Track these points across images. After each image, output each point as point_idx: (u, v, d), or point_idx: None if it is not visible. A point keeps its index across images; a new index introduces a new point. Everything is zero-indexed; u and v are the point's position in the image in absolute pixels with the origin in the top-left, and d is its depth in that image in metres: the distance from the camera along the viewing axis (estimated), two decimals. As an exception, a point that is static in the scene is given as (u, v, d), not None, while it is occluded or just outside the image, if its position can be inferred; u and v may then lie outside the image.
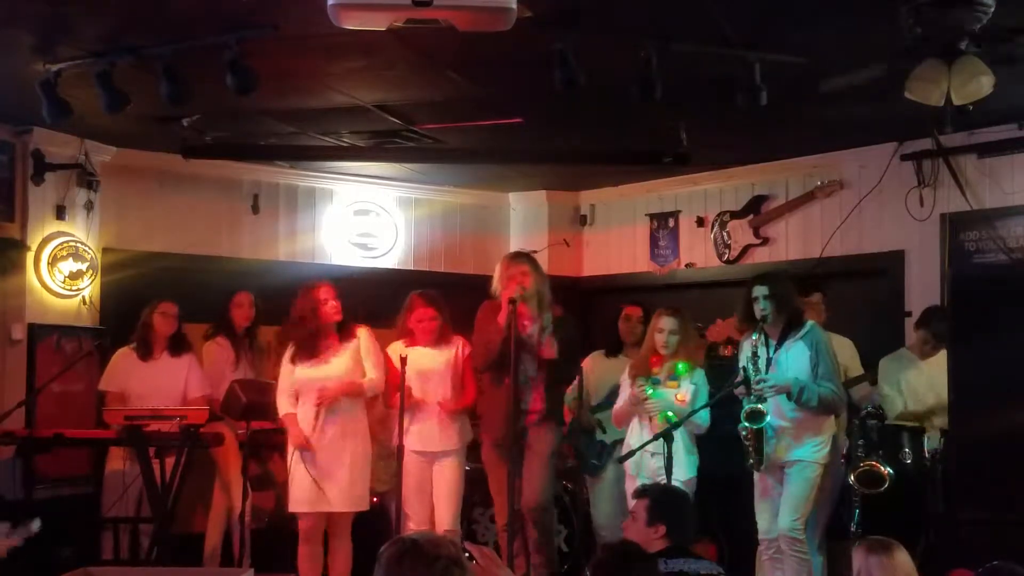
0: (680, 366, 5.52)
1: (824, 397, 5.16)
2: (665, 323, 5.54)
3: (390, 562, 2.38)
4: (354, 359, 5.68)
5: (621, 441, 5.78)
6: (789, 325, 5.28)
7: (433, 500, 5.80)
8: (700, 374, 5.58)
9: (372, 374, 5.69)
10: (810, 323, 5.33)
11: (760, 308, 5.25)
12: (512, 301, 5.37)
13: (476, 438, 6.00)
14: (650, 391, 5.47)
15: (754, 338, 5.23)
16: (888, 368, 5.92)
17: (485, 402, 5.79)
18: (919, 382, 5.75)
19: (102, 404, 6.24)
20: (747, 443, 5.21)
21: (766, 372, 5.20)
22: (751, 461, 5.23)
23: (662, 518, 3.96)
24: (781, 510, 5.22)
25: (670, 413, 5.35)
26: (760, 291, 5.27)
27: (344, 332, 5.71)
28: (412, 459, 5.74)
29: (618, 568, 3.29)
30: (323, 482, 5.53)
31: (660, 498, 4.08)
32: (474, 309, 5.85)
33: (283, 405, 5.68)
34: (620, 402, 5.67)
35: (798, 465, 5.20)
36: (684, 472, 5.36)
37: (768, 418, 5.13)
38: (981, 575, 3.43)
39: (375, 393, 5.76)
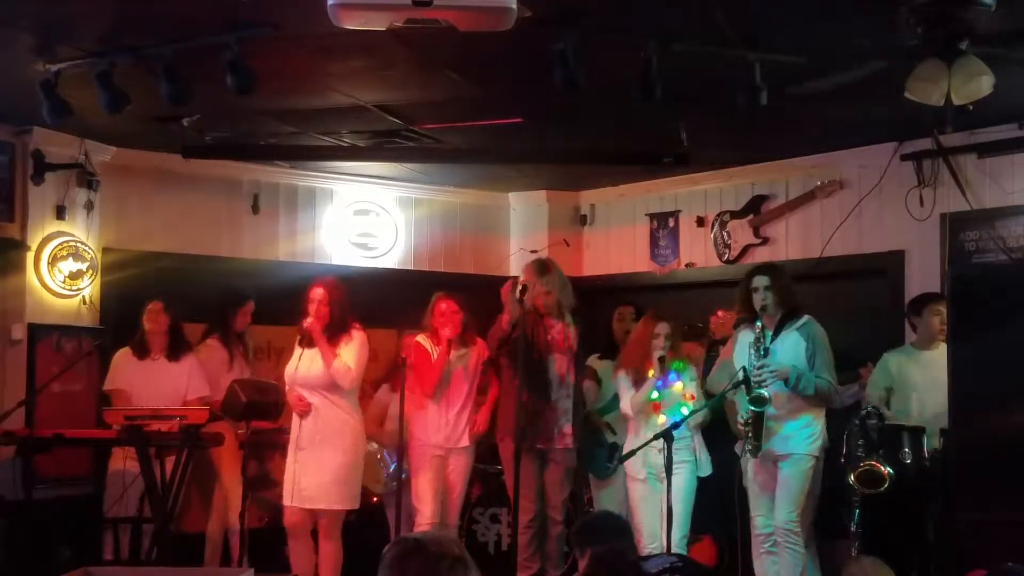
0: (677, 364, 5.71)
1: (820, 387, 5.28)
2: (662, 328, 5.72)
3: (393, 562, 2.36)
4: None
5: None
6: (786, 316, 5.39)
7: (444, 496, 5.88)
8: (692, 370, 5.82)
9: (345, 360, 5.61)
10: (807, 316, 5.42)
11: (760, 298, 5.37)
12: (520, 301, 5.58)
13: (488, 439, 6.05)
14: (655, 395, 5.60)
15: (757, 326, 5.34)
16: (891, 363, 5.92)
17: (505, 404, 5.84)
18: (924, 378, 5.69)
19: (108, 404, 6.20)
20: (746, 428, 5.29)
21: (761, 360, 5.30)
22: (748, 448, 5.31)
23: (585, 546, 4.02)
24: (777, 504, 5.29)
25: (684, 410, 5.53)
26: (761, 281, 5.39)
27: (333, 333, 5.64)
28: (425, 453, 5.77)
29: None
30: (304, 478, 5.52)
31: (576, 532, 4.16)
32: (474, 309, 5.97)
33: (287, 382, 5.77)
34: (631, 396, 5.73)
35: (792, 458, 5.28)
36: (704, 468, 5.65)
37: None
38: None
39: (342, 380, 5.61)
